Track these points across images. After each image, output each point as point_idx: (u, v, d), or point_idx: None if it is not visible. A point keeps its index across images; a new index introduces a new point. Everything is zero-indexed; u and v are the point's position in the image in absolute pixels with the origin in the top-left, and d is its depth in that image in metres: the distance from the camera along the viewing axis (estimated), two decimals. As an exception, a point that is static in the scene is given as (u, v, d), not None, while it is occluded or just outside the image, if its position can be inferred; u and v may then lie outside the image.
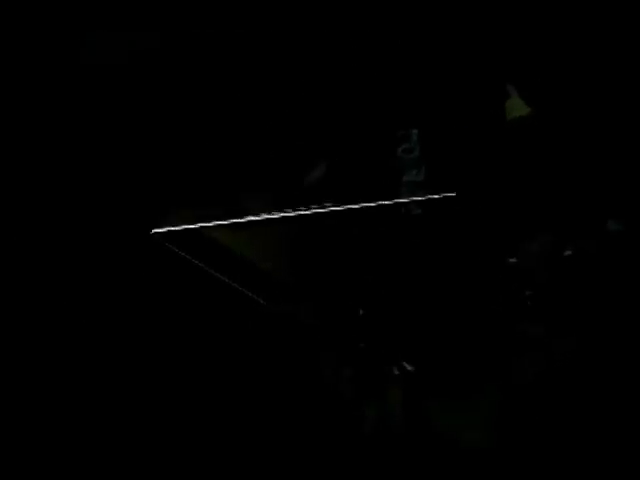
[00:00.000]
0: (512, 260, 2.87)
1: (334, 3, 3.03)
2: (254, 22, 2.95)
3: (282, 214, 2.69)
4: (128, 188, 2.86)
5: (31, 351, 2.63)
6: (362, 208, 2.80)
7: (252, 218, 2.69)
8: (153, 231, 2.67)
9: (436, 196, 2.86)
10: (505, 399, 2.55)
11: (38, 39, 2.91)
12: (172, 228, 2.72)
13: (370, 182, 2.88)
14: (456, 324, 2.70)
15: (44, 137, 2.88)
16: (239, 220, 2.72)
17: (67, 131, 2.90)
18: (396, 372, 2.55)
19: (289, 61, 2.97)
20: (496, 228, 2.94)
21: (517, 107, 3.20)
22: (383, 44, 3.09)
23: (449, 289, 2.78)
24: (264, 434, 2.50)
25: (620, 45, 3.18)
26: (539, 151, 3.10)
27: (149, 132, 2.92)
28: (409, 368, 2.56)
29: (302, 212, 2.71)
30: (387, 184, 2.86)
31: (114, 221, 2.81)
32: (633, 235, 2.91)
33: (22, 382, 2.58)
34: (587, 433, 2.54)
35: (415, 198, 2.84)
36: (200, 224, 2.72)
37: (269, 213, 2.70)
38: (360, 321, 2.65)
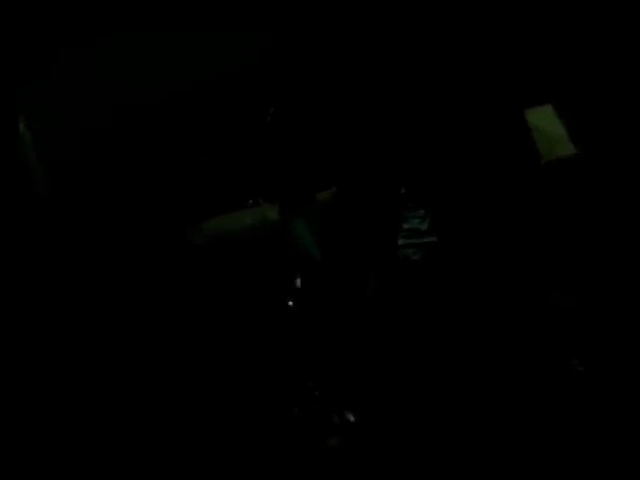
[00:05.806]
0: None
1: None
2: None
3: None
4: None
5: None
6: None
7: None
8: None
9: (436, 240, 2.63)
10: None
11: None
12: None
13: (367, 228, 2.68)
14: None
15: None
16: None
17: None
18: (336, 420, 2.30)
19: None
20: (500, 281, 2.69)
21: (561, 145, 2.88)
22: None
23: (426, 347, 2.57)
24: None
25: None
26: (571, 202, 2.79)
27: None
28: (351, 419, 2.29)
29: None
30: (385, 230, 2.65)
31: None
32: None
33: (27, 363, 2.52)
34: None
35: (414, 241, 2.62)
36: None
37: None
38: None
